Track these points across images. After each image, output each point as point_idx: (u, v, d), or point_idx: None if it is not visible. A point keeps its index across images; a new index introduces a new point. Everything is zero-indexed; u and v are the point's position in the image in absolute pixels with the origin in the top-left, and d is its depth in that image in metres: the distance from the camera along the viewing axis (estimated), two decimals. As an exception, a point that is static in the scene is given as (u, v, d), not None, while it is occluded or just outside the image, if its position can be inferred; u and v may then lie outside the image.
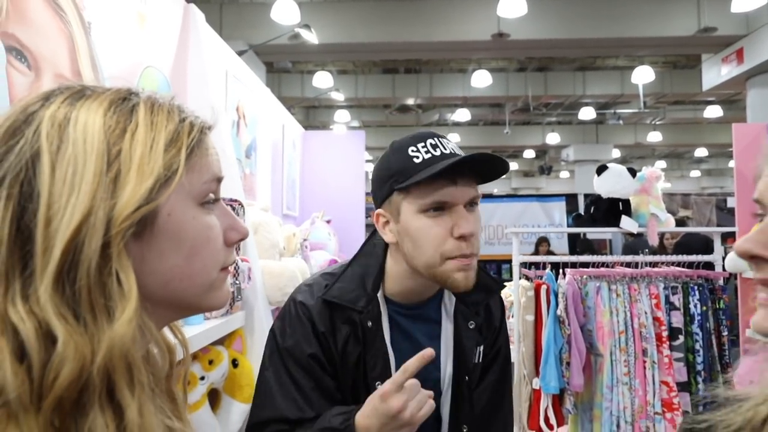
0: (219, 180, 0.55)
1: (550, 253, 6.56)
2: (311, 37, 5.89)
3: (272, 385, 0.99)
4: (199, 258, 0.51)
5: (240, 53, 4.74)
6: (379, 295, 1.03)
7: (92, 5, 1.29)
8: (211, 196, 0.54)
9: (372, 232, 1.10)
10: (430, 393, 0.86)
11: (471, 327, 1.05)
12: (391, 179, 0.97)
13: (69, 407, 0.40)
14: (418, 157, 0.94)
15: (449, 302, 1.07)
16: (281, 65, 9.00)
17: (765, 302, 0.52)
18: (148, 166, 0.46)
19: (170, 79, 1.71)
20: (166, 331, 0.58)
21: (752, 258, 0.52)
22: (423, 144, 0.96)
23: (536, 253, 6.55)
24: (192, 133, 0.51)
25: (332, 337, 1.00)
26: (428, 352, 0.84)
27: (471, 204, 0.96)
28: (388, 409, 0.81)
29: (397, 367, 0.97)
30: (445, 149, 0.95)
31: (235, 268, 1.60)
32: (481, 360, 1.07)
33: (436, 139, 0.97)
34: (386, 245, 1.05)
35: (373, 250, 1.07)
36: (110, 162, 0.45)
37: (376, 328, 1.00)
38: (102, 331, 0.42)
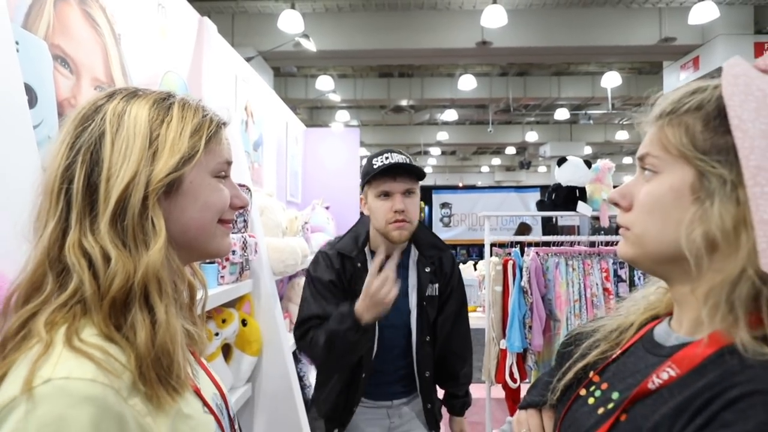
0: (229, 163, 0.67)
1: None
2: (310, 45, 5.93)
3: (308, 298, 1.44)
4: (209, 213, 0.62)
5: (249, 59, 4.79)
6: (366, 249, 1.48)
7: (122, 20, 1.37)
8: (223, 173, 0.65)
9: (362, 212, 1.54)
10: (397, 285, 1.23)
11: (427, 271, 1.48)
12: (364, 177, 1.42)
13: (119, 306, 0.53)
14: (376, 164, 1.38)
15: (414, 255, 1.50)
16: (287, 70, 8.98)
17: (623, 233, 0.61)
18: (177, 147, 0.58)
19: (188, 82, 1.78)
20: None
21: (615, 204, 0.62)
22: (382, 156, 1.40)
23: (520, 234, 6.63)
24: (211, 126, 0.63)
25: (343, 273, 1.45)
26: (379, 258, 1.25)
27: (407, 192, 1.38)
28: (368, 289, 1.21)
29: None
30: (393, 160, 1.37)
31: (243, 242, 1.69)
32: (437, 294, 1.49)
33: (390, 153, 1.40)
34: (362, 221, 1.51)
35: (363, 221, 1.52)
36: (151, 142, 0.57)
37: (363, 268, 1.42)
38: (141, 256, 0.54)
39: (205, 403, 0.61)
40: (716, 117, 0.51)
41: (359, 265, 1.43)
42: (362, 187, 1.45)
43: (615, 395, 0.56)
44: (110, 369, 0.48)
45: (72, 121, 0.57)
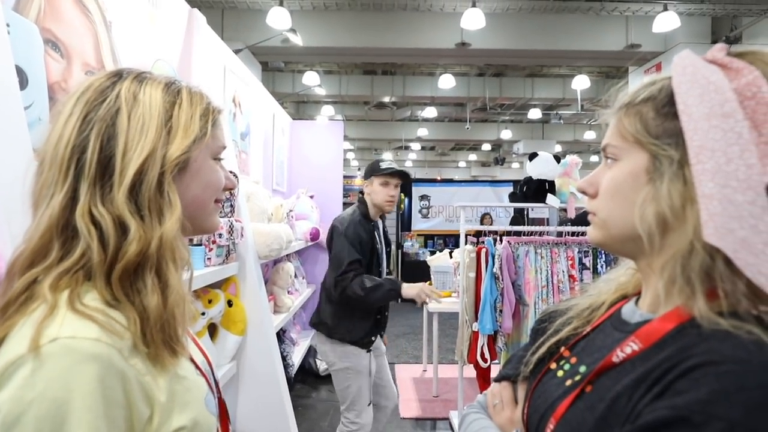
0: (224, 147, 0.68)
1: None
2: (297, 39, 5.86)
3: (346, 248, 2.03)
4: (209, 191, 0.63)
5: (237, 51, 4.69)
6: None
7: (113, 7, 1.34)
8: (220, 156, 0.66)
9: (358, 199, 2.22)
10: (432, 298, 2.07)
11: (385, 230, 2.28)
12: (374, 170, 2.13)
13: (132, 271, 0.53)
14: (383, 165, 2.13)
15: (380, 223, 2.25)
16: (275, 65, 8.85)
17: (591, 219, 0.61)
18: (190, 129, 0.59)
19: (177, 71, 1.75)
20: None
21: (583, 192, 0.62)
22: (387, 162, 2.16)
23: (481, 224, 7.44)
24: (214, 112, 0.64)
25: (367, 230, 2.12)
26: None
27: (396, 186, 2.14)
28: (423, 290, 2.04)
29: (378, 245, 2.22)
30: (395, 166, 2.13)
31: (230, 226, 1.68)
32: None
33: (392, 162, 2.16)
34: (361, 200, 2.20)
35: (361, 203, 2.18)
36: (166, 122, 0.57)
37: (374, 227, 2.17)
38: (157, 227, 0.54)
39: (197, 367, 0.62)
40: (666, 104, 0.53)
41: (372, 224, 2.17)
42: (368, 175, 2.16)
43: (582, 368, 0.57)
44: (113, 330, 0.49)
45: (79, 97, 0.56)
